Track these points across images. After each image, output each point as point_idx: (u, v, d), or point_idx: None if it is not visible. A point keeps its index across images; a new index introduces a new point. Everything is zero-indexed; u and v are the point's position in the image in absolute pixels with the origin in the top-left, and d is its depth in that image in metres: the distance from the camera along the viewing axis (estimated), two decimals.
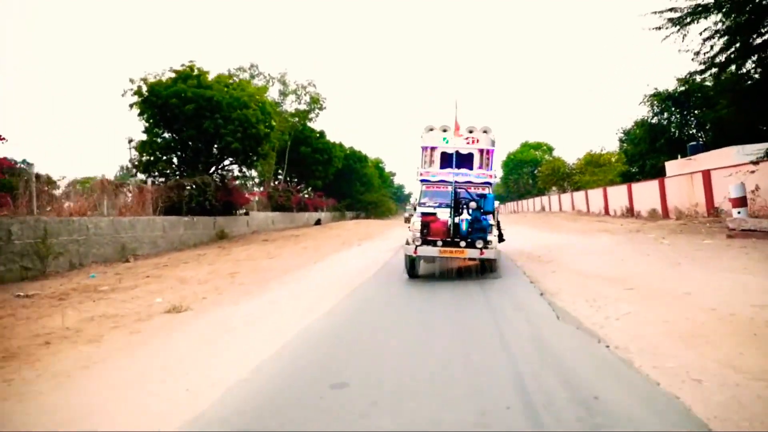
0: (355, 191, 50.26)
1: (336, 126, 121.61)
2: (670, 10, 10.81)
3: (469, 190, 8.48)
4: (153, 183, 20.98)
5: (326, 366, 3.81)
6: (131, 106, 20.43)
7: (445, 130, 9.72)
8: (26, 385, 3.80)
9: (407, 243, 7.95)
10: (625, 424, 2.49)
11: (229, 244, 19.72)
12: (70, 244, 12.92)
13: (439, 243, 7.60)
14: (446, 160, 9.63)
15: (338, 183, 46.36)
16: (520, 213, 50.42)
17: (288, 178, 38.76)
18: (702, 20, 10.59)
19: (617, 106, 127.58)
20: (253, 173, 34.68)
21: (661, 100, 33.58)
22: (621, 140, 42.86)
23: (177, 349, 4.70)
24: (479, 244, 7.42)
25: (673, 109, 34.08)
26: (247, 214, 26.85)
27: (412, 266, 8.20)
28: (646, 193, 23.15)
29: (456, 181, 8.30)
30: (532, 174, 60.06)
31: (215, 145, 22.96)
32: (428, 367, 3.62)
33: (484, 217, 7.87)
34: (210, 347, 4.69)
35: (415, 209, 9.01)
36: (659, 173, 30.83)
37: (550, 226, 21.11)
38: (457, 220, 7.72)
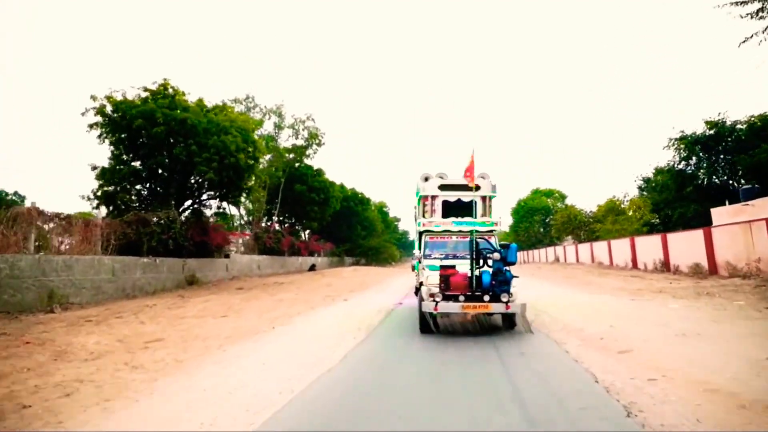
0: (355, 236, 47.06)
1: (338, 167, 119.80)
2: None
3: (489, 240, 8.00)
4: (110, 216, 18.03)
5: None
6: (91, 126, 17.65)
7: (441, 177, 9.46)
8: None
9: (422, 299, 7.44)
10: None
11: (193, 292, 16.48)
12: None
13: (461, 298, 6.95)
14: (447, 209, 9.36)
15: (337, 226, 43.32)
16: (532, 263, 46.83)
17: (281, 219, 35.72)
18: None
19: (632, 154, 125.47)
20: (241, 212, 31.72)
21: (689, 143, 30.74)
22: (640, 188, 39.92)
23: None
24: (504, 297, 6.85)
25: (701, 154, 31.19)
26: (227, 256, 23.68)
27: (433, 322, 7.49)
28: (686, 245, 19.80)
29: (461, 231, 8.36)
30: (543, 222, 56.83)
31: (192, 178, 20.11)
32: None
33: (506, 268, 7.27)
34: None
35: (420, 261, 8.63)
36: (688, 223, 27.66)
37: (578, 282, 17.69)
38: (477, 272, 7.11)
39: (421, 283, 8.10)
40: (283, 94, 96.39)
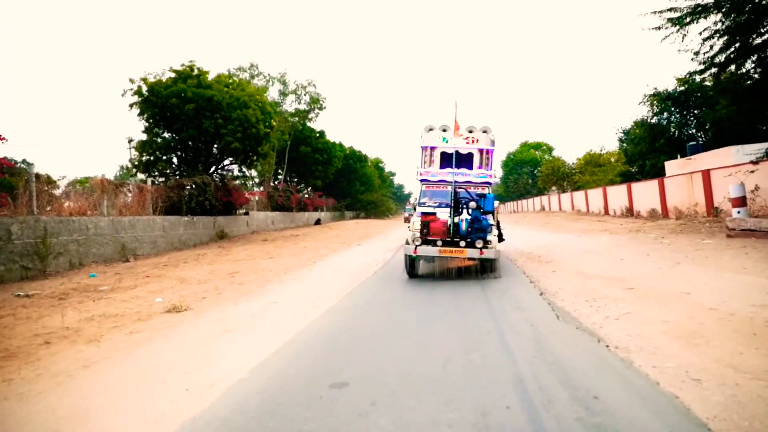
0: (354, 191, 50.25)
1: (335, 125, 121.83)
2: (670, 10, 10.77)
3: (468, 190, 8.49)
4: (153, 183, 21.04)
5: (326, 365, 3.81)
6: (131, 106, 20.42)
7: (444, 130, 9.71)
8: (26, 385, 3.79)
9: (407, 243, 7.93)
10: (625, 425, 2.50)
11: (228, 244, 19.72)
12: (70, 243, 12.86)
13: (439, 243, 7.58)
14: (446, 160, 9.63)
15: (338, 183, 46.34)
16: (520, 213, 50.41)
17: (288, 178, 38.75)
18: (702, 20, 10.55)
19: (617, 105, 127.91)
20: (253, 173, 34.74)
21: (661, 99, 33.56)
22: (621, 140, 42.91)
23: (176, 349, 4.69)
24: (479, 243, 7.41)
25: (672, 109, 34.09)
26: (247, 213, 26.85)
27: (411, 266, 8.19)
28: (645, 193, 23.13)
29: (456, 181, 8.38)
30: (532, 174, 60.06)
31: (215, 145, 22.96)
32: (428, 366, 3.62)
33: (484, 216, 7.86)
34: (209, 347, 4.69)
35: (414, 209, 8.92)
36: (659, 173, 30.82)
37: (551, 227, 21.10)
38: (456, 219, 7.71)
39: None
40: (281, 61, 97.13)
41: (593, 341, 3.95)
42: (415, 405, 2.91)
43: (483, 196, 8.17)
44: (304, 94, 35.87)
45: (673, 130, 34.10)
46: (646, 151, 35.64)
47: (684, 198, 19.57)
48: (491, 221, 8.06)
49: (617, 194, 26.87)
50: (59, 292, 8.88)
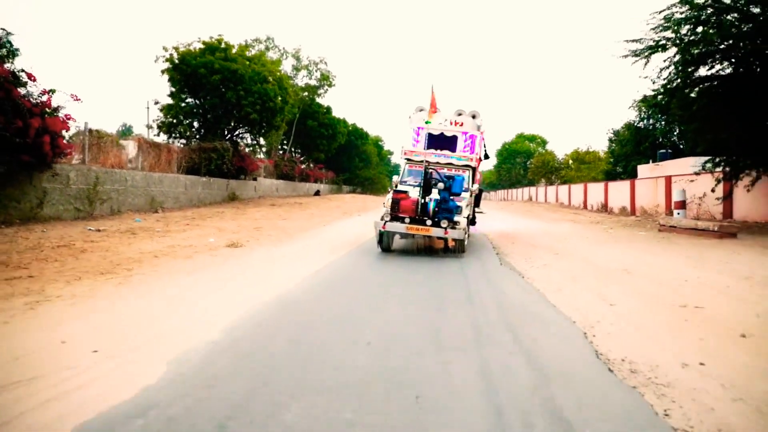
0: (353, 166, 52.54)
1: (340, 100, 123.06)
2: (635, 41, 13.06)
3: (448, 171, 9.22)
4: (182, 144, 23.16)
5: (353, 275, 6.31)
6: (163, 72, 22.42)
7: (434, 112, 9.96)
8: (168, 274, 6.18)
9: (381, 219, 8.24)
10: (513, 299, 4.98)
11: (241, 206, 22.03)
12: (112, 192, 15.06)
13: (407, 220, 7.91)
14: (432, 141, 9.93)
15: (339, 157, 48.54)
16: (509, 201, 53.00)
17: (293, 149, 40.91)
18: (660, 53, 12.86)
19: (613, 106, 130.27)
20: (262, 141, 36.86)
21: (649, 106, 35.79)
22: (610, 140, 45.45)
23: (250, 265, 7.10)
24: (444, 223, 7.72)
25: (659, 116, 36.41)
26: (255, 179, 29.08)
27: (381, 240, 8.41)
28: (619, 192, 25.64)
29: (438, 162, 9.22)
30: (524, 165, 62.52)
31: (234, 114, 25.03)
32: (414, 280, 6.13)
33: (453, 198, 8.27)
34: (271, 266, 7.10)
35: (396, 186, 9.03)
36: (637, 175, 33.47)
37: (530, 215, 23.62)
38: (426, 199, 8.05)
39: None
40: (290, 35, 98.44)
41: (516, 275, 6.43)
42: (408, 290, 5.45)
43: (452, 178, 8.68)
44: (316, 71, 37.92)
45: (658, 136, 36.56)
46: (630, 153, 38.12)
47: (650, 199, 22.10)
48: (460, 203, 8.41)
49: (596, 191, 29.38)
50: (124, 229, 11.20)
